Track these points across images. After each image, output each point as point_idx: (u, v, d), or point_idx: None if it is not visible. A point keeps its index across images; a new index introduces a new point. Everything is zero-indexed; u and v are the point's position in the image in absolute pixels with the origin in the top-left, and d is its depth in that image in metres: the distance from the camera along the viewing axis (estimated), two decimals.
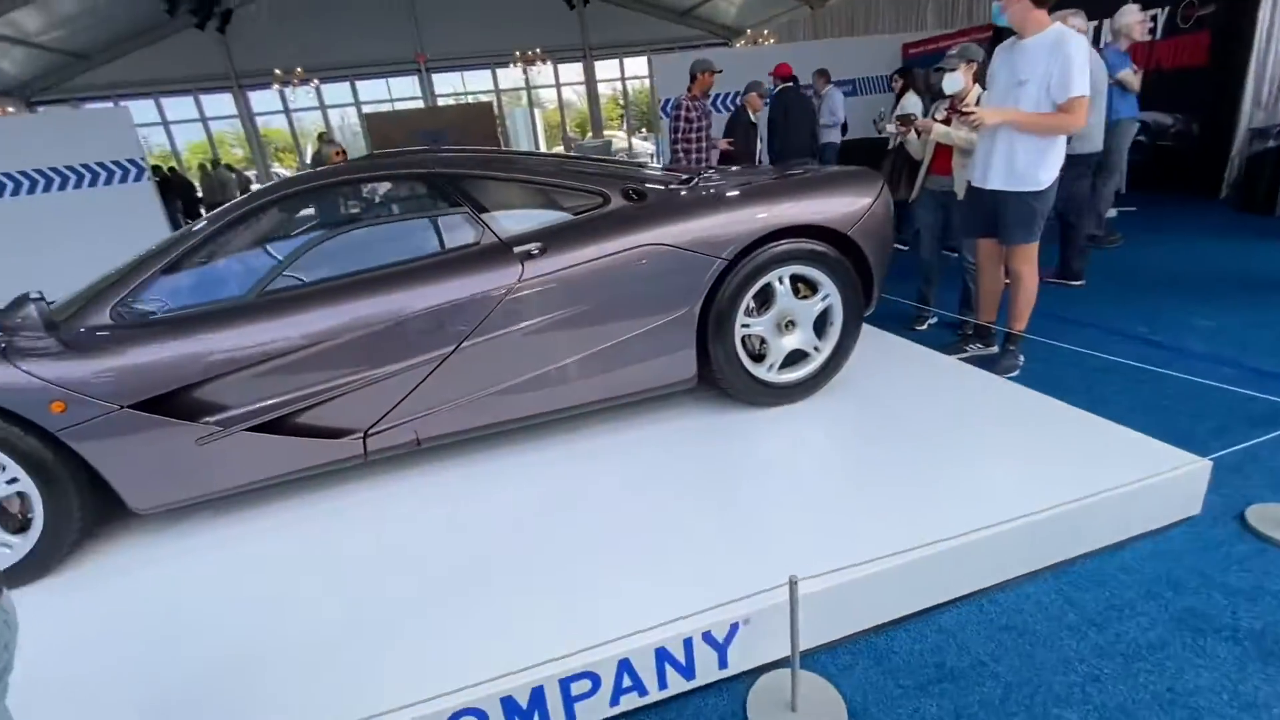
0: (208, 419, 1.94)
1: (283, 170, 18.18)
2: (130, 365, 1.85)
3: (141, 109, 15.79)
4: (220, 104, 16.43)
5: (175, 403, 1.91)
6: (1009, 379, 2.77)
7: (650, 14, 17.72)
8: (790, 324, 2.42)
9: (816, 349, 2.49)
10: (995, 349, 3.19)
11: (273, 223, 2.19)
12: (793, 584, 1.30)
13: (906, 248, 4.01)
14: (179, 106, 16.21)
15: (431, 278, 2.07)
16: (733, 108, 6.60)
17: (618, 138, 19.01)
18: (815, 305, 2.43)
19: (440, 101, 17.60)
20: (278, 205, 2.14)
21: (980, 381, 2.67)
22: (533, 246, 2.13)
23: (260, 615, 1.72)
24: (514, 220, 2.26)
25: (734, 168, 3.62)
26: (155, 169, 12.79)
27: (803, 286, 2.43)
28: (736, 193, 2.35)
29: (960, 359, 3.08)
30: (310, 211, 2.25)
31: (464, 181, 2.23)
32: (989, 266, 3.09)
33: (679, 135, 5.12)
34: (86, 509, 1.93)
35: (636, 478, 2.17)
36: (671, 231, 2.19)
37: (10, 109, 13.16)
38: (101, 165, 8.17)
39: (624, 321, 2.23)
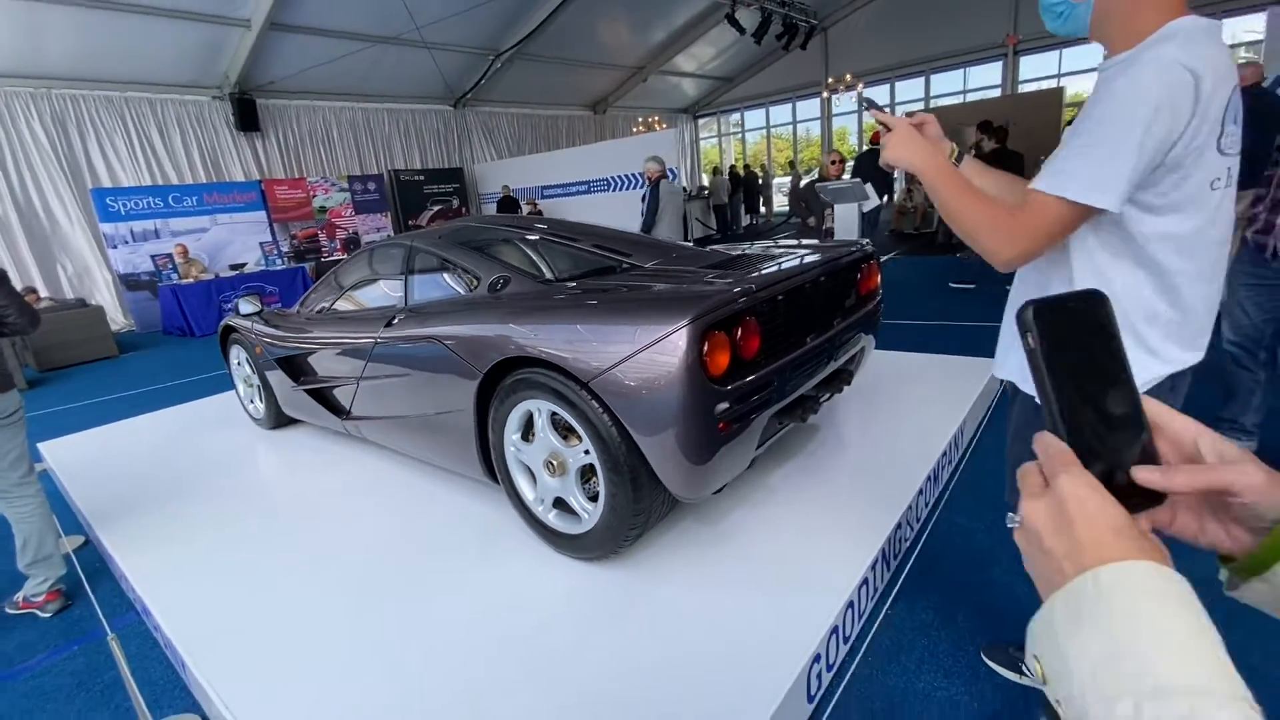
0: (296, 376, 3.31)
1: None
2: (271, 335, 3.36)
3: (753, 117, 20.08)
4: (809, 108, 19.03)
5: (286, 363, 3.34)
6: None
7: None
8: (555, 465, 2.01)
9: (584, 510, 1.97)
10: None
11: (347, 272, 3.27)
12: None
13: None
14: (779, 114, 19.66)
15: (367, 323, 2.78)
16: None
17: None
18: (577, 455, 1.92)
19: (1022, 89, 15.25)
20: (351, 261, 3.21)
21: None
22: (399, 315, 2.55)
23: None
24: (428, 290, 2.67)
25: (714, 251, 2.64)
26: (714, 170, 16.31)
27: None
28: (538, 302, 2.06)
29: None
30: (362, 265, 3.21)
31: (420, 255, 2.76)
32: None
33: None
34: (277, 409, 3.61)
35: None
36: (456, 331, 2.19)
37: (664, 124, 18.92)
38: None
39: (418, 401, 2.42)
